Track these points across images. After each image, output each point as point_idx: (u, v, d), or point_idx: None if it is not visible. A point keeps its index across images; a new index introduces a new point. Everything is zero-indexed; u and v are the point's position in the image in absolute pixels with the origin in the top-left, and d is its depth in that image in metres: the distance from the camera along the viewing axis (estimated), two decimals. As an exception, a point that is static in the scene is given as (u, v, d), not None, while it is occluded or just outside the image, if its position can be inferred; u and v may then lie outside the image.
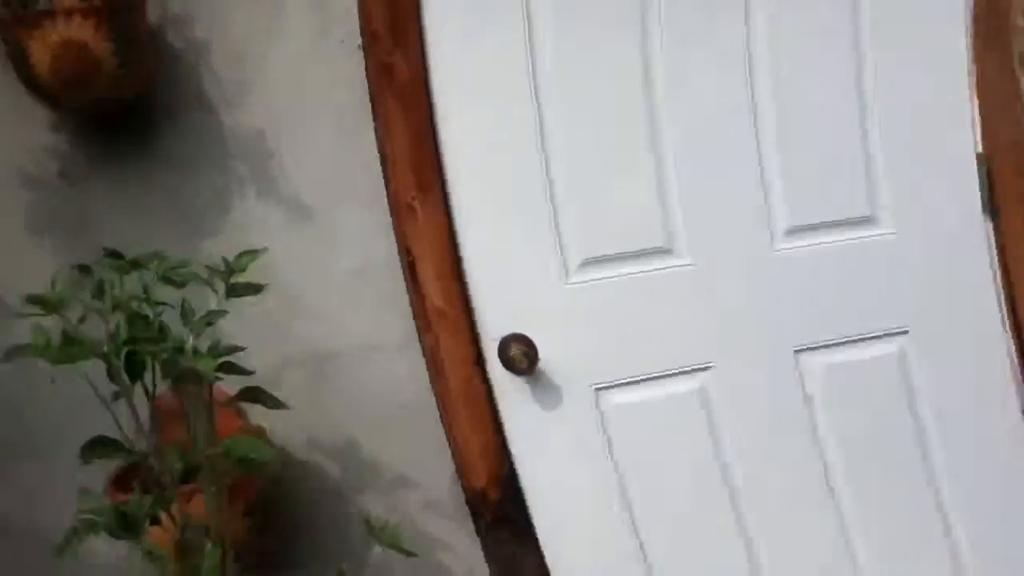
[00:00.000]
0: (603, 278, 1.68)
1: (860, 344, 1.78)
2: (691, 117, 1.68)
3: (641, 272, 1.69)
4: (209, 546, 1.14)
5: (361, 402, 1.60)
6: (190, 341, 1.21)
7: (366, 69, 1.57)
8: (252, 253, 1.31)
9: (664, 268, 1.70)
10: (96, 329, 1.18)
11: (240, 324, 1.43)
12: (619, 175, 1.67)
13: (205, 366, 1.18)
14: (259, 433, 1.44)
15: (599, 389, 1.69)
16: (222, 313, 1.26)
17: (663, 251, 1.70)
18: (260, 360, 1.48)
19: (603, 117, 1.65)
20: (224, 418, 1.31)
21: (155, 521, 1.16)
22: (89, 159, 1.49)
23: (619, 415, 1.71)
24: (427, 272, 1.60)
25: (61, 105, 1.42)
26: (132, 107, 1.48)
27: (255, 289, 1.31)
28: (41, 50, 1.30)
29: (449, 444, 1.63)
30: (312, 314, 1.58)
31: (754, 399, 1.75)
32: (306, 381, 1.57)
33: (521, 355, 1.61)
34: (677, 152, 1.68)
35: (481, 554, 1.66)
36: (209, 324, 1.24)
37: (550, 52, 1.63)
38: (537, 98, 1.63)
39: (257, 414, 1.35)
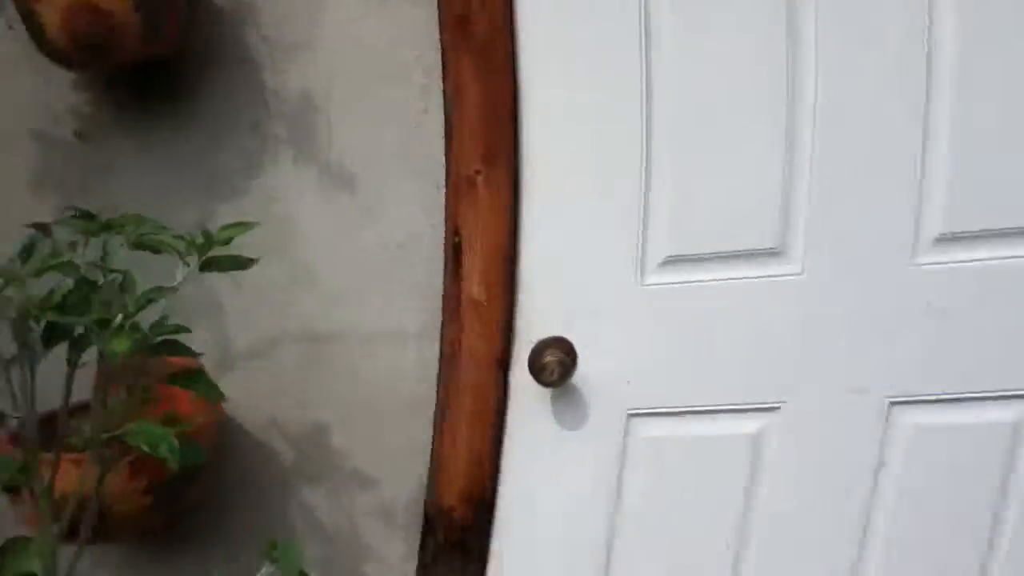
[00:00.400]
0: (684, 281, 1.44)
1: (971, 404, 1.38)
2: (841, 98, 1.35)
3: (735, 279, 1.42)
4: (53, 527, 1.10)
5: (347, 390, 1.51)
6: (119, 317, 1.15)
7: (439, 24, 1.42)
8: (239, 226, 1.24)
9: (766, 276, 1.41)
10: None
11: (239, 295, 1.43)
12: (738, 159, 1.39)
13: (115, 347, 1.12)
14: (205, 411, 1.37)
15: (633, 415, 1.47)
16: (171, 290, 1.19)
17: (771, 253, 1.41)
18: (252, 334, 1.48)
19: (728, 99, 1.38)
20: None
21: (11, 490, 1.15)
22: (109, 117, 1.49)
23: (646, 450, 1.48)
24: (473, 258, 1.45)
25: (76, 66, 1.41)
26: (165, 65, 1.46)
27: (238, 264, 1.23)
28: (51, 12, 1.28)
29: (433, 451, 1.49)
30: (325, 291, 1.50)
31: (816, 457, 1.44)
32: (297, 360, 1.51)
33: (555, 363, 1.42)
34: (816, 135, 1.36)
35: (411, 570, 1.53)
36: (150, 301, 1.17)
37: (668, 19, 1.38)
38: (647, 66, 1.39)
39: (229, 382, 1.34)
